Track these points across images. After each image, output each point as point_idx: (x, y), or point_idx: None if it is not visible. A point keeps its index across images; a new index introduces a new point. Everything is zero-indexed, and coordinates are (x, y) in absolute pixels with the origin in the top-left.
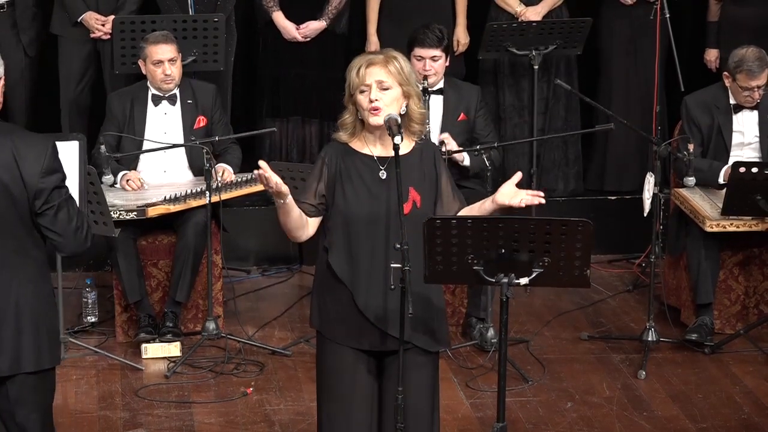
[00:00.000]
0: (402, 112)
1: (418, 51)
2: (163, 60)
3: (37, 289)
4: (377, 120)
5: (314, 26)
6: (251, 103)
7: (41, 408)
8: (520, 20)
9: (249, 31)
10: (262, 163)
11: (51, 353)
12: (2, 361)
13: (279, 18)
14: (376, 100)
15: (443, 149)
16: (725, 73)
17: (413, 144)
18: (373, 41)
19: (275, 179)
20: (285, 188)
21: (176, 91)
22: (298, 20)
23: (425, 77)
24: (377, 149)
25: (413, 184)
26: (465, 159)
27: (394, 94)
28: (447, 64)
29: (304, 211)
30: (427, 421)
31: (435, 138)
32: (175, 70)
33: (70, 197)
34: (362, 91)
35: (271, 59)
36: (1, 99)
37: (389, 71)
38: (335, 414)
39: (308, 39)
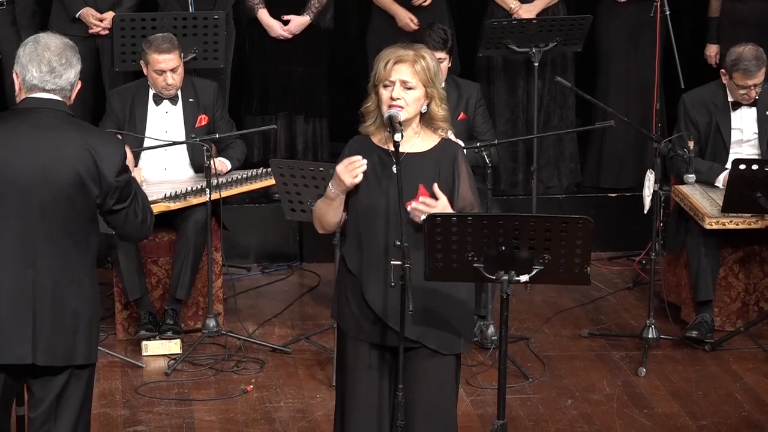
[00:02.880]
0: (423, 111)
1: None
2: (166, 70)
3: (92, 282)
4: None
5: (298, 21)
6: (239, 100)
7: (84, 403)
8: (513, 17)
9: (236, 28)
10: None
11: (95, 348)
12: (59, 351)
13: (264, 16)
14: (398, 98)
15: None
16: (722, 70)
17: (437, 141)
18: (403, 15)
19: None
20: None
21: (178, 91)
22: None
23: None
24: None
25: (424, 182)
26: None
27: (416, 95)
28: (449, 65)
29: None
30: (442, 419)
31: None
32: (177, 78)
33: (137, 190)
34: (386, 86)
35: (257, 56)
36: (72, 99)
37: (415, 71)
38: (347, 407)
39: (294, 34)
